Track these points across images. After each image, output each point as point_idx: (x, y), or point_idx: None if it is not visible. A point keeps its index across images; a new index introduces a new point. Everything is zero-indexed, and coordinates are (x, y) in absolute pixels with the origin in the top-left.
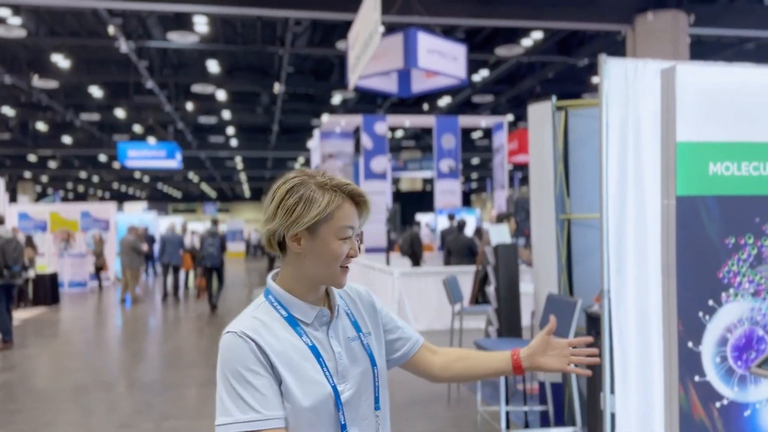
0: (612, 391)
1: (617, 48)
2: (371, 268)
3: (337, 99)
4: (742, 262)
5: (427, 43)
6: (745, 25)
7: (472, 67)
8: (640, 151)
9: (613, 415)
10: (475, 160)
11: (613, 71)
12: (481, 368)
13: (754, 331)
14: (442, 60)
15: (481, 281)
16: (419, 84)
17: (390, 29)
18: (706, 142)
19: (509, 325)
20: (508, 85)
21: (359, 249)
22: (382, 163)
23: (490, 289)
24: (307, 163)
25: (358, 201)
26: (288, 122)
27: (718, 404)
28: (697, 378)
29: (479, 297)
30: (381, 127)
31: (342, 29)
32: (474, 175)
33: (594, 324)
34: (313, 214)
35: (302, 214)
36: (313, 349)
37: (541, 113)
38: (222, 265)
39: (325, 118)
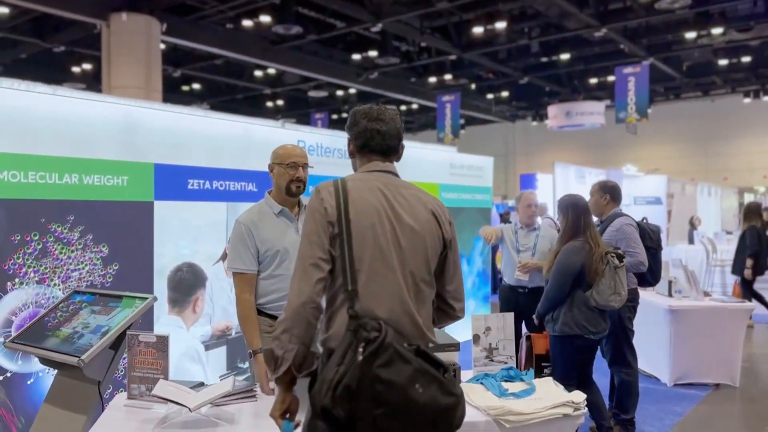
0: None
1: (95, 40)
2: None
3: None
4: (28, 255)
5: None
6: (211, 43)
7: None
8: None
9: None
10: None
11: None
12: None
13: (38, 312)
14: None
15: None
16: None
17: None
18: None
19: None
20: None
21: None
22: None
23: None
24: None
25: None
26: None
27: (1, 377)
28: None
29: None
30: None
31: None
32: None
33: None
34: None
35: None
36: None
37: None
38: None
39: None
